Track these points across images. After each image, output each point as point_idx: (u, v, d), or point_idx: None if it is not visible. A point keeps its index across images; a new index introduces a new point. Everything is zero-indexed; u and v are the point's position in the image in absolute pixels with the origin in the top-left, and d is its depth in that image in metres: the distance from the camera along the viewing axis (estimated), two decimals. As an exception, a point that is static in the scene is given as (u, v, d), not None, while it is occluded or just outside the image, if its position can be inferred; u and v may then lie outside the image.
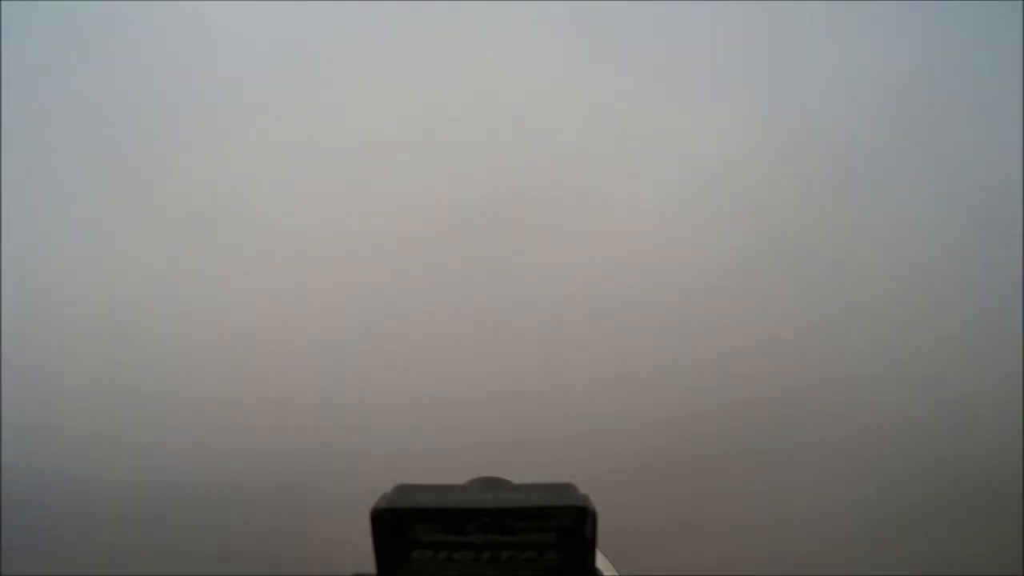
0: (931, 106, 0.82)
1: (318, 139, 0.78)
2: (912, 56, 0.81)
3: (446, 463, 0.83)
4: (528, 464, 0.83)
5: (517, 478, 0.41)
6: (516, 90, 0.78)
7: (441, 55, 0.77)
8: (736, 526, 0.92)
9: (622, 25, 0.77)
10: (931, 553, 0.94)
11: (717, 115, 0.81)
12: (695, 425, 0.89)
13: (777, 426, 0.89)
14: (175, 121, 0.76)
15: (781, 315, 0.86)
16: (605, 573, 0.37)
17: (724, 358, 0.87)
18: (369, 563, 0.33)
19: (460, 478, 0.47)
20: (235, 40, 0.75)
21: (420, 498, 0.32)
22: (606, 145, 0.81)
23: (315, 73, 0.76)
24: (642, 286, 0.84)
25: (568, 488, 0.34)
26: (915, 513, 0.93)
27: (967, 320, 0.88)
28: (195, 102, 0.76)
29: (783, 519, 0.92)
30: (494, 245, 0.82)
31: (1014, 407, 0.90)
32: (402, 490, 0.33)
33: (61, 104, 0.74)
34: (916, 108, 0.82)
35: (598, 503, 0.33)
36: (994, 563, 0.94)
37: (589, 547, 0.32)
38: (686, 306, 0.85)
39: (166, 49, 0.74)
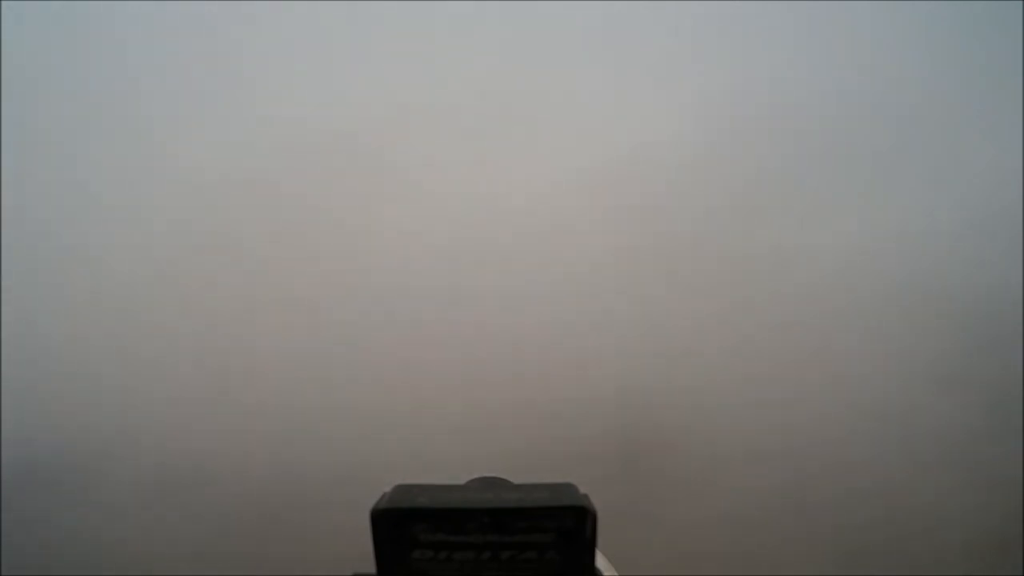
0: (921, 111, 0.83)
1: (312, 135, 0.78)
2: (903, 54, 0.81)
3: (446, 463, 0.83)
4: (529, 463, 0.84)
5: (517, 478, 0.41)
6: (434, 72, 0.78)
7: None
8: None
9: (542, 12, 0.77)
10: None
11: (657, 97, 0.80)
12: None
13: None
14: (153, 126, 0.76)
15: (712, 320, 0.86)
16: (605, 573, 0.37)
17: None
18: (369, 563, 0.33)
19: (460, 478, 0.47)
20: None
21: (420, 498, 0.32)
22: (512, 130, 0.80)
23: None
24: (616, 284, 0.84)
25: (568, 488, 0.34)
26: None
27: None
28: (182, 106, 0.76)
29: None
30: (489, 246, 0.82)
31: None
32: (402, 490, 0.33)
33: (60, 103, 0.75)
34: (905, 112, 0.82)
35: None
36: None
37: (589, 547, 0.32)
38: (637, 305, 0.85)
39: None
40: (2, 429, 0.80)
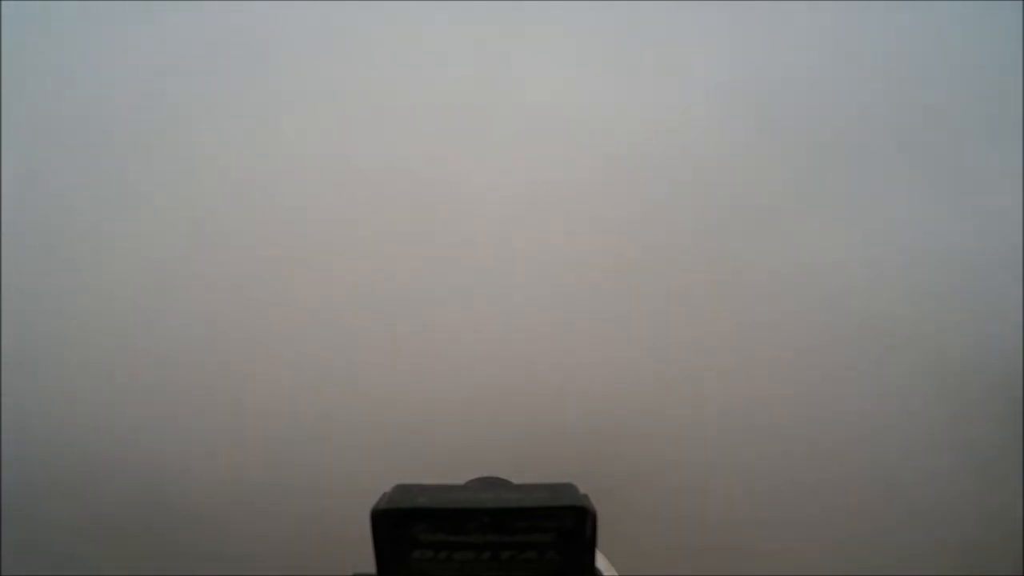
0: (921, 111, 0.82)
1: (308, 135, 0.78)
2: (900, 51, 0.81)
3: (446, 463, 0.83)
4: (529, 464, 0.84)
5: (517, 478, 0.41)
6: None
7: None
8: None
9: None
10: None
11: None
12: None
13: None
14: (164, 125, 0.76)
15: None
16: (605, 573, 0.37)
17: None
18: (369, 563, 0.33)
19: (460, 478, 0.47)
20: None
21: (420, 498, 0.32)
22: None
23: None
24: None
25: (568, 488, 0.34)
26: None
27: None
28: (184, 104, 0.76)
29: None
30: (489, 242, 0.82)
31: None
32: (402, 490, 0.33)
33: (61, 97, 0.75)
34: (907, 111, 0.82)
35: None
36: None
37: (589, 547, 0.32)
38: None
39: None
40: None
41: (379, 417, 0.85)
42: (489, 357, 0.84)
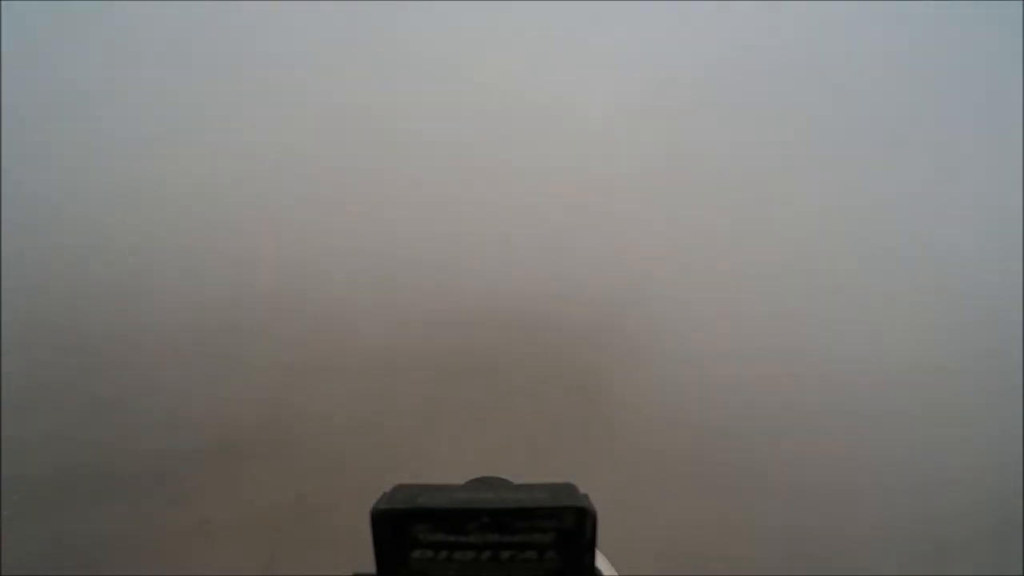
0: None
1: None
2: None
3: (446, 463, 0.83)
4: (528, 464, 0.84)
5: (517, 478, 0.41)
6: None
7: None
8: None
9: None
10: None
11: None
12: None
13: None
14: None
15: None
16: (605, 573, 0.37)
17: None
18: (369, 563, 0.33)
19: (460, 478, 0.47)
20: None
21: (420, 498, 0.32)
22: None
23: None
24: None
25: (568, 488, 0.34)
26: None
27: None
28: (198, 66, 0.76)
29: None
30: (489, 233, 0.82)
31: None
32: (402, 490, 0.33)
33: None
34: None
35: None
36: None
37: (589, 547, 0.32)
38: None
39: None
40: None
41: (379, 415, 0.85)
42: (490, 352, 0.84)
